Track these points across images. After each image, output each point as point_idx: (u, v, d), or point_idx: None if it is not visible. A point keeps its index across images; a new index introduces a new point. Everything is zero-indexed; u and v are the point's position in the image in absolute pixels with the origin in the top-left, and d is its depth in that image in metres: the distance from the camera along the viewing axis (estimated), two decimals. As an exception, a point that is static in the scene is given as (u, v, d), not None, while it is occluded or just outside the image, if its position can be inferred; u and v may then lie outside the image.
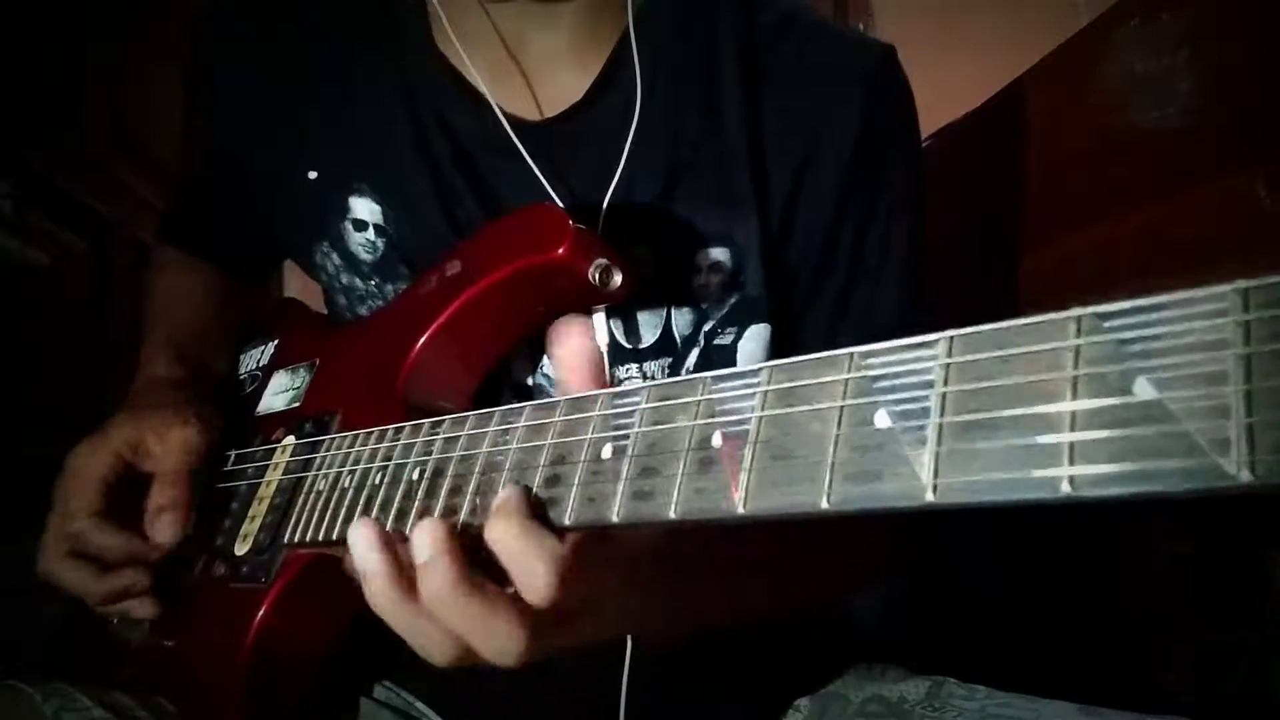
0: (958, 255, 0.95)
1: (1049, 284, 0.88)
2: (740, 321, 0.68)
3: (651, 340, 0.68)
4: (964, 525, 0.86)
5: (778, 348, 0.69)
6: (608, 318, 0.66)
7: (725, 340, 0.69)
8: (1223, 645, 0.73)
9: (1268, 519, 0.69)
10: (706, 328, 0.68)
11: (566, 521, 0.42)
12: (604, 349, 0.65)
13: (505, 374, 0.67)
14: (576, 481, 0.42)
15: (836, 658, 0.74)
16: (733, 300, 0.68)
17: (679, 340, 0.68)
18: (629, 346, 0.67)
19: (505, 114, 0.69)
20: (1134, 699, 0.57)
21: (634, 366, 0.68)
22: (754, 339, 0.69)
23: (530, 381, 0.68)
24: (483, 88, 0.69)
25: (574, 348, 0.55)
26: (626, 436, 0.40)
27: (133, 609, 0.68)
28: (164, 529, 0.68)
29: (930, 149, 0.99)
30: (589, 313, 0.63)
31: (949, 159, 1.01)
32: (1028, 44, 1.02)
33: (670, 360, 0.68)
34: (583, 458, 0.41)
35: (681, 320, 0.68)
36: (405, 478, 0.51)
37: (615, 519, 0.39)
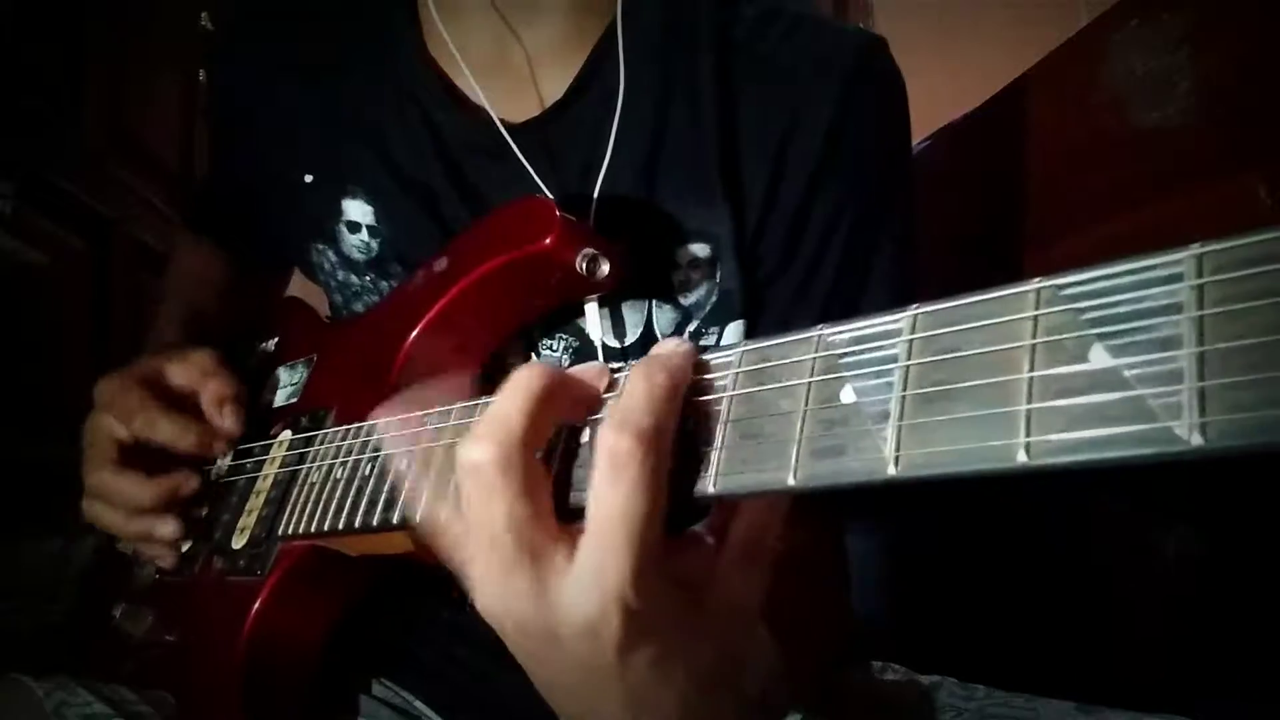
0: (957, 255, 0.94)
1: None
2: (721, 320, 0.68)
3: (634, 337, 0.68)
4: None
5: None
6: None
7: (709, 340, 0.68)
8: (1222, 644, 0.72)
9: (1269, 517, 0.69)
10: (691, 328, 0.68)
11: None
12: (599, 343, 0.66)
13: (500, 367, 0.68)
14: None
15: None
16: (714, 299, 0.68)
17: (660, 338, 0.68)
18: (613, 345, 0.67)
19: (493, 115, 0.69)
20: (1134, 699, 0.57)
21: (617, 364, 0.68)
22: (733, 337, 0.69)
23: None
24: (473, 89, 0.70)
25: None
26: (602, 419, 0.40)
27: (159, 529, 0.68)
28: (229, 417, 0.69)
29: (930, 149, 0.99)
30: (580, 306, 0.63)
31: (949, 159, 1.00)
32: (1028, 44, 1.02)
33: None
34: (561, 440, 0.42)
35: (664, 318, 0.68)
36: (394, 468, 0.52)
37: None
